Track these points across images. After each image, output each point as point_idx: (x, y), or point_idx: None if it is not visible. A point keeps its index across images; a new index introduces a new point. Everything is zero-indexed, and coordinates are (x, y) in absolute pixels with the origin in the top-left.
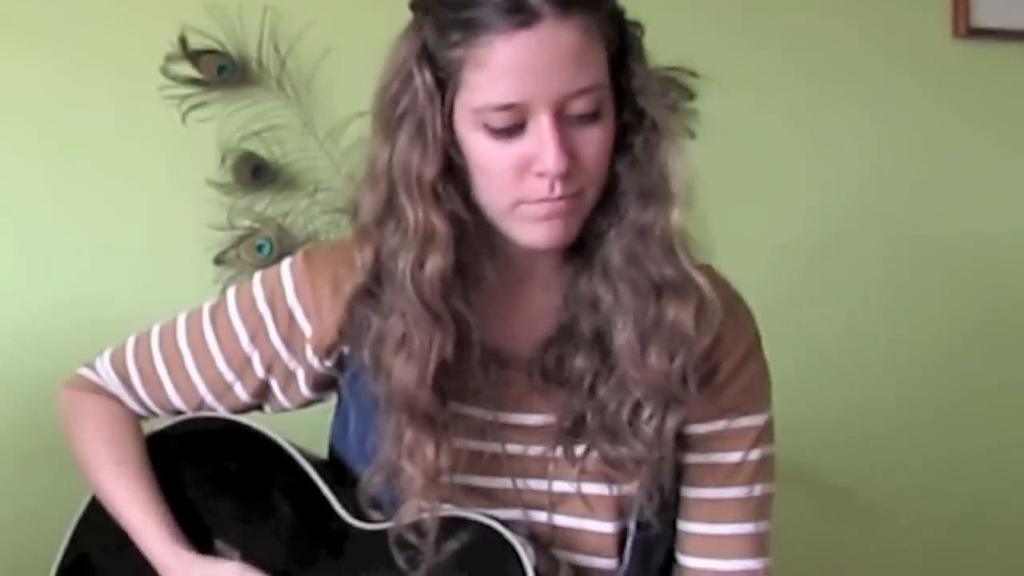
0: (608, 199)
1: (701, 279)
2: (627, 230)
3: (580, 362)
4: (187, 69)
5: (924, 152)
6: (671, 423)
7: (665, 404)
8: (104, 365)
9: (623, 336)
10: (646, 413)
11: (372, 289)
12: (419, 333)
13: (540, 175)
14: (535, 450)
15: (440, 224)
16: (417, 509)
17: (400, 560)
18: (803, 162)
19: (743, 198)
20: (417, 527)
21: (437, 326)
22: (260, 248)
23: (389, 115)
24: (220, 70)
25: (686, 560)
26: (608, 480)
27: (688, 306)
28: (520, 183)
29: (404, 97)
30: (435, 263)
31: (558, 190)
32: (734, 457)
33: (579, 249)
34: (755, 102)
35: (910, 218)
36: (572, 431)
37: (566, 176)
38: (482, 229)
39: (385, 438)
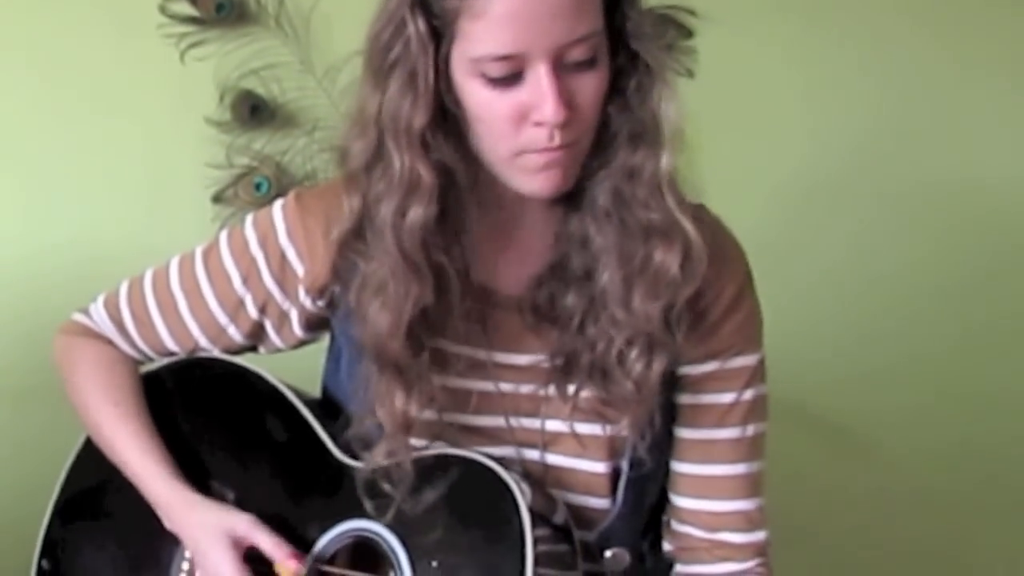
0: (599, 141)
1: (688, 225)
2: (616, 172)
3: (571, 300)
4: (185, 7)
5: (923, 92)
6: (657, 366)
7: (650, 347)
8: (98, 310)
9: (608, 277)
10: (633, 354)
11: (359, 234)
12: (396, 282)
13: (538, 124)
14: (527, 388)
15: (426, 174)
16: (383, 453)
17: (369, 506)
18: (801, 101)
19: (741, 136)
20: (387, 473)
21: (415, 276)
22: (258, 186)
23: (380, 62)
24: (218, 8)
25: (679, 500)
26: (601, 419)
27: (674, 251)
28: (518, 132)
29: (396, 44)
30: (417, 213)
31: (557, 139)
32: (727, 398)
33: (570, 190)
34: (754, 41)
35: (909, 157)
36: (564, 369)
37: (564, 125)
38: (473, 178)
39: (360, 381)
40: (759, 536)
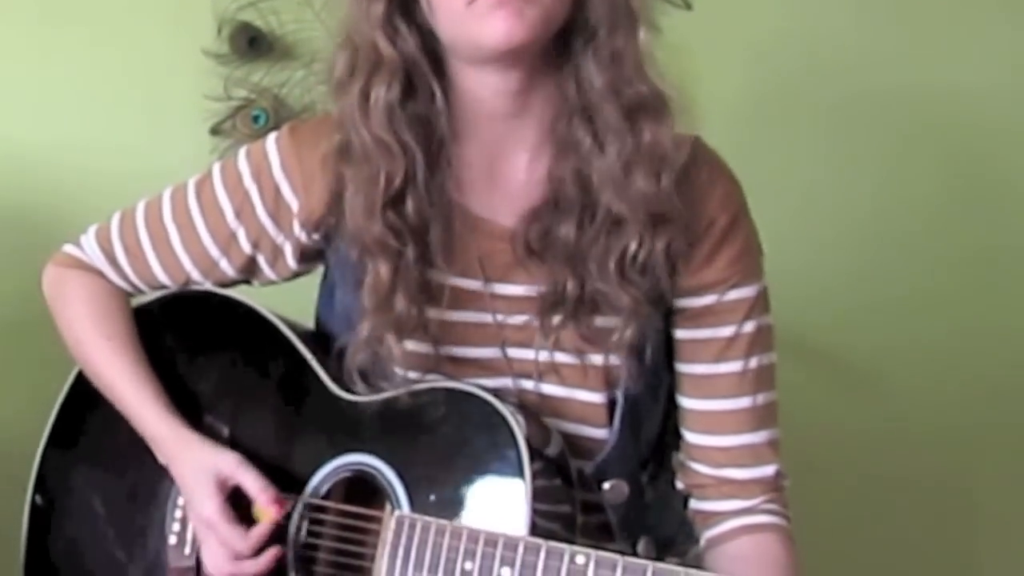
0: (578, 24)
1: (672, 92)
2: (599, 57)
3: (564, 229)
4: None
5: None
6: (660, 245)
7: (653, 226)
8: (89, 241)
9: (604, 167)
10: (633, 246)
11: (345, 145)
12: (368, 163)
13: None
14: (522, 319)
15: (387, 50)
16: (366, 331)
17: (366, 440)
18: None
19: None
20: (398, 401)
21: (385, 155)
22: (256, 118)
23: None
24: None
25: (687, 436)
26: (593, 347)
27: (664, 123)
28: None
29: None
30: (379, 92)
31: None
32: (727, 331)
33: (558, 97)
34: None
35: (894, 76)
36: (557, 300)
37: None
38: (441, 73)
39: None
40: (767, 471)
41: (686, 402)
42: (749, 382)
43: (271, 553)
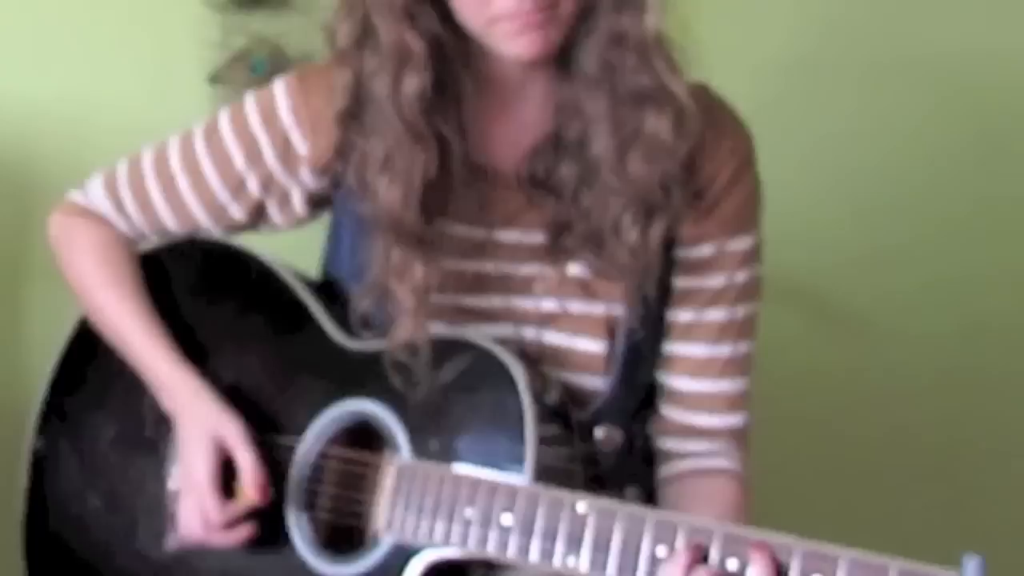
0: (584, 6)
1: (679, 87)
2: (602, 38)
3: (565, 169)
4: None
5: None
6: (655, 231)
7: (647, 212)
8: (96, 189)
9: (602, 144)
10: (628, 220)
11: (355, 111)
12: (401, 153)
13: None
14: (525, 268)
15: (415, 43)
16: (409, 329)
17: (396, 381)
18: None
19: (721, 13)
20: (410, 347)
21: (419, 145)
22: (254, 67)
23: None
24: None
25: (664, 379)
26: (596, 296)
27: (666, 115)
28: (490, 2)
29: None
30: (412, 82)
31: (528, 5)
32: (719, 280)
33: (561, 59)
34: None
35: (896, 33)
36: (560, 245)
37: None
38: (464, 47)
39: (374, 259)
40: (736, 420)
41: (669, 347)
42: (734, 330)
43: (242, 531)
